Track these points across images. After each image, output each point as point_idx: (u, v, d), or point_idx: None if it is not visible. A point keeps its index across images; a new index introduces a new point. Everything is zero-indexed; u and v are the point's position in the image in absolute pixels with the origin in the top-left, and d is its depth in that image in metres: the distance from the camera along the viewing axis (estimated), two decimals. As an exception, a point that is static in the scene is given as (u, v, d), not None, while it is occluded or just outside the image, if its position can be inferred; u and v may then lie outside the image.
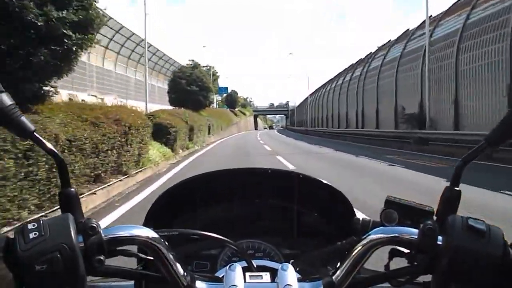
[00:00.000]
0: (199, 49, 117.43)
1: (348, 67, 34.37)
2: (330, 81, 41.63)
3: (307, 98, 54.55)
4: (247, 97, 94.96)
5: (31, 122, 0.56)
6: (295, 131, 53.72)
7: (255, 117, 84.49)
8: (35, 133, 0.56)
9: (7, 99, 0.54)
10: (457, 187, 0.58)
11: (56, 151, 0.57)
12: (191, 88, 25.47)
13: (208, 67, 54.49)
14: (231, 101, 69.63)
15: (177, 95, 25.50)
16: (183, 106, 21.70)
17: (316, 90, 51.63)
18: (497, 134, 0.57)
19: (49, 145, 0.57)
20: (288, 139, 31.56)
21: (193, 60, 30.97)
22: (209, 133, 24.08)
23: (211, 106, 37.04)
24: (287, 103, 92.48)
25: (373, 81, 25.58)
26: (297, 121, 68.36)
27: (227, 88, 65.78)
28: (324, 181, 0.87)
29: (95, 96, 20.04)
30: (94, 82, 23.13)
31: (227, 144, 23.78)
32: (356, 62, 32.19)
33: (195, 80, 25.85)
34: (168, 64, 37.88)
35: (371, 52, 28.81)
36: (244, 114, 68.72)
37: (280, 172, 0.92)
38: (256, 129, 75.73)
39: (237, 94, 74.04)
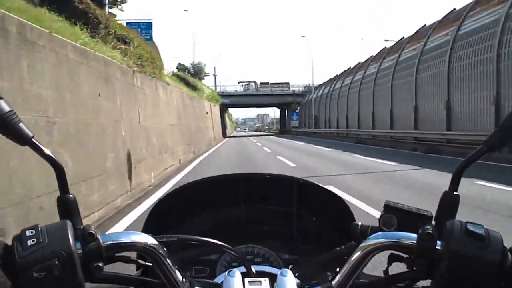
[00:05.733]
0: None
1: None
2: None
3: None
4: (208, 73, 49.75)
5: (29, 128, 0.56)
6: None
7: (223, 109, 43.08)
8: (33, 139, 0.55)
9: (5, 106, 0.53)
10: (456, 191, 0.58)
11: (54, 157, 0.56)
12: None
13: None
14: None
15: None
16: None
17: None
18: (496, 138, 0.57)
19: (47, 151, 0.56)
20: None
21: None
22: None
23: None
24: (286, 83, 53.38)
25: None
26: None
27: (150, 23, 21.40)
28: (324, 186, 0.87)
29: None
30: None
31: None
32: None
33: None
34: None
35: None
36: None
37: (280, 177, 0.92)
38: (224, 135, 39.45)
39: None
